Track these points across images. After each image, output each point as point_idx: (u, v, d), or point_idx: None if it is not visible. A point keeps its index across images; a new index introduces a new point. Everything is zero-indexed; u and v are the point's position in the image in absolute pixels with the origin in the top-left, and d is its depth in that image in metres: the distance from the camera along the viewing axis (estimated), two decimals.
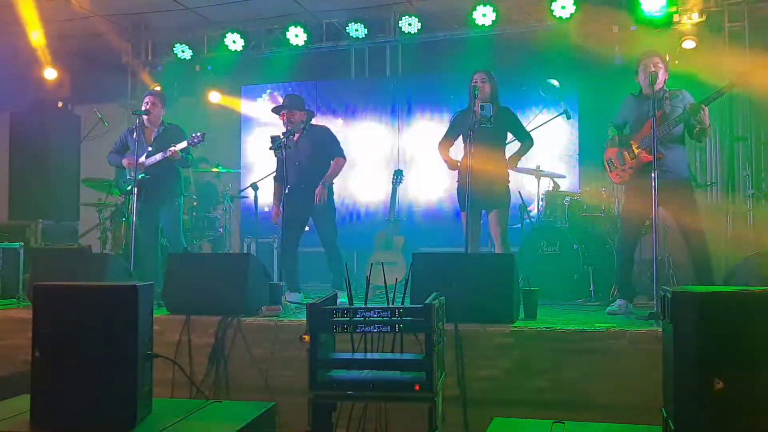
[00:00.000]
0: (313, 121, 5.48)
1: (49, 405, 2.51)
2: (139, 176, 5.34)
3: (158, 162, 5.42)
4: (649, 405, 2.94)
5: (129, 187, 5.55)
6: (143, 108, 5.57)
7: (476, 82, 5.09)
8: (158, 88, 7.33)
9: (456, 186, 5.30)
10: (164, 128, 5.63)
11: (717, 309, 2.09)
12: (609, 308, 4.51)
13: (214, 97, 8.36)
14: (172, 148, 5.34)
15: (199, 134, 5.36)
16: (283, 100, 5.58)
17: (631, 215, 4.69)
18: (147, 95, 5.75)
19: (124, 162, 5.52)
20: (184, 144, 5.36)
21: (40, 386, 2.53)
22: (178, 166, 5.62)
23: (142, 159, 5.43)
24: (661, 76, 4.46)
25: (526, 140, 5.16)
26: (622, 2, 6.64)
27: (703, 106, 4.30)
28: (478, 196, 4.89)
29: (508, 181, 5.22)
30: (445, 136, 5.32)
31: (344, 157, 5.47)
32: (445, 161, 5.23)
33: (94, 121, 7.53)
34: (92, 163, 7.91)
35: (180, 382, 3.66)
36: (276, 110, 5.51)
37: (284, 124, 5.32)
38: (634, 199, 4.65)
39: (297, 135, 5.37)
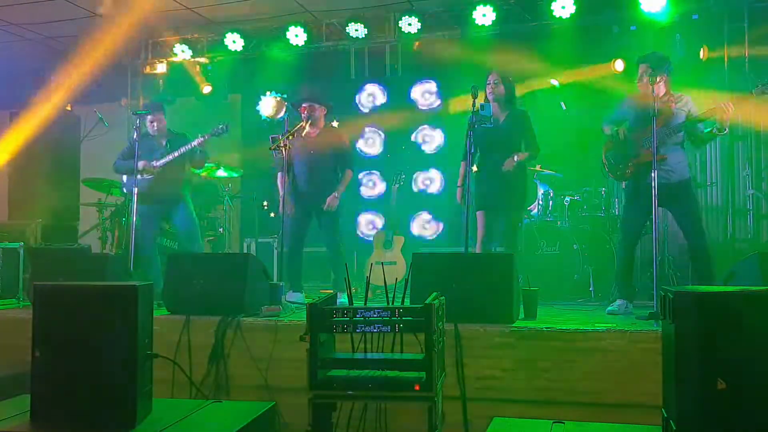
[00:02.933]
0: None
1: (49, 405, 2.51)
2: (148, 177, 5.44)
3: (168, 163, 5.48)
4: (649, 405, 2.94)
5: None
6: (151, 129, 5.61)
7: (489, 82, 5.09)
8: (149, 103, 7.18)
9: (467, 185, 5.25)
10: (173, 135, 5.71)
11: (717, 309, 2.09)
12: (609, 308, 4.51)
13: (207, 89, 8.21)
14: (198, 139, 5.41)
15: (222, 126, 5.37)
16: (302, 91, 5.40)
17: (631, 215, 4.69)
18: (147, 115, 5.58)
19: (140, 164, 5.40)
20: (207, 135, 5.42)
21: (40, 386, 2.53)
22: (194, 166, 5.75)
23: (158, 162, 5.49)
24: (663, 79, 4.45)
25: (531, 149, 5.12)
26: (622, 2, 6.65)
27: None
28: (495, 198, 4.89)
29: (525, 185, 5.21)
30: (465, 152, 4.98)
31: (353, 170, 5.45)
32: (459, 188, 5.14)
33: (94, 121, 7.53)
34: (92, 163, 7.90)
35: (180, 382, 3.65)
36: (296, 104, 5.35)
37: (303, 118, 5.15)
38: (635, 198, 4.65)
39: (315, 132, 5.30)
